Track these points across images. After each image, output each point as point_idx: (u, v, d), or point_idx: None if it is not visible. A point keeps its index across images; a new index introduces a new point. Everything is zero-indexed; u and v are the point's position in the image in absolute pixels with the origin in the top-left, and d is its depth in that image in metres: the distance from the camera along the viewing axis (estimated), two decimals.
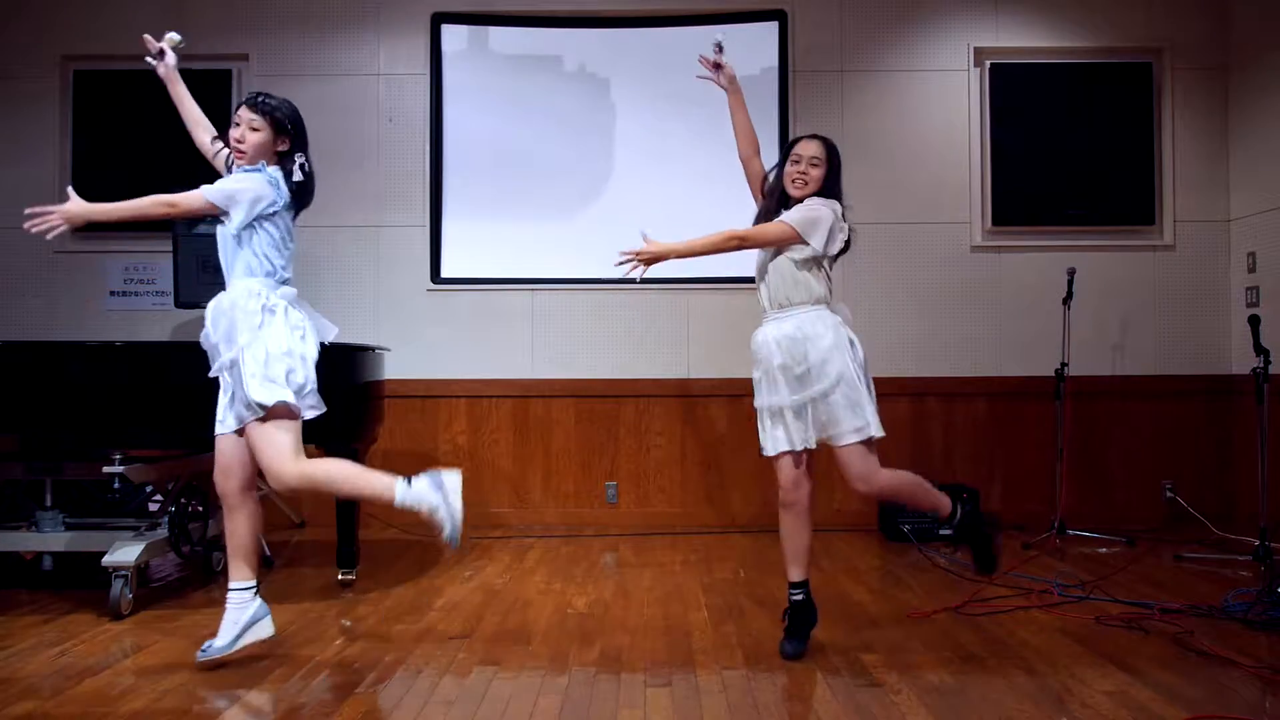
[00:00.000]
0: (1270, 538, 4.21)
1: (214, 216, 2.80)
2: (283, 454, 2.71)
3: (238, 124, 2.79)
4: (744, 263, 5.24)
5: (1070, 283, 4.94)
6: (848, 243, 2.96)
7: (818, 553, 4.49)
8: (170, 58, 3.05)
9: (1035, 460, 5.24)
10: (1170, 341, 5.34)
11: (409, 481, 2.74)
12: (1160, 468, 5.28)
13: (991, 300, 5.37)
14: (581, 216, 5.43)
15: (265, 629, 2.84)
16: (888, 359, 5.32)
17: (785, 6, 5.41)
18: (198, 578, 3.96)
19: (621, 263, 2.88)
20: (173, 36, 3.05)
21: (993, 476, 5.30)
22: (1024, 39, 5.40)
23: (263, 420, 2.71)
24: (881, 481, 2.87)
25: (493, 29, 5.46)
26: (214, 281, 4.54)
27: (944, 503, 2.97)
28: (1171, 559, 4.31)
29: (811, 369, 2.84)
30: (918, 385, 5.30)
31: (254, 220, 2.78)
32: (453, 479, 2.77)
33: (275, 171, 2.83)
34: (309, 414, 2.79)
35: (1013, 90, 5.37)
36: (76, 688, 2.60)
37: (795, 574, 2.95)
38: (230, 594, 2.81)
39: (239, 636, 2.78)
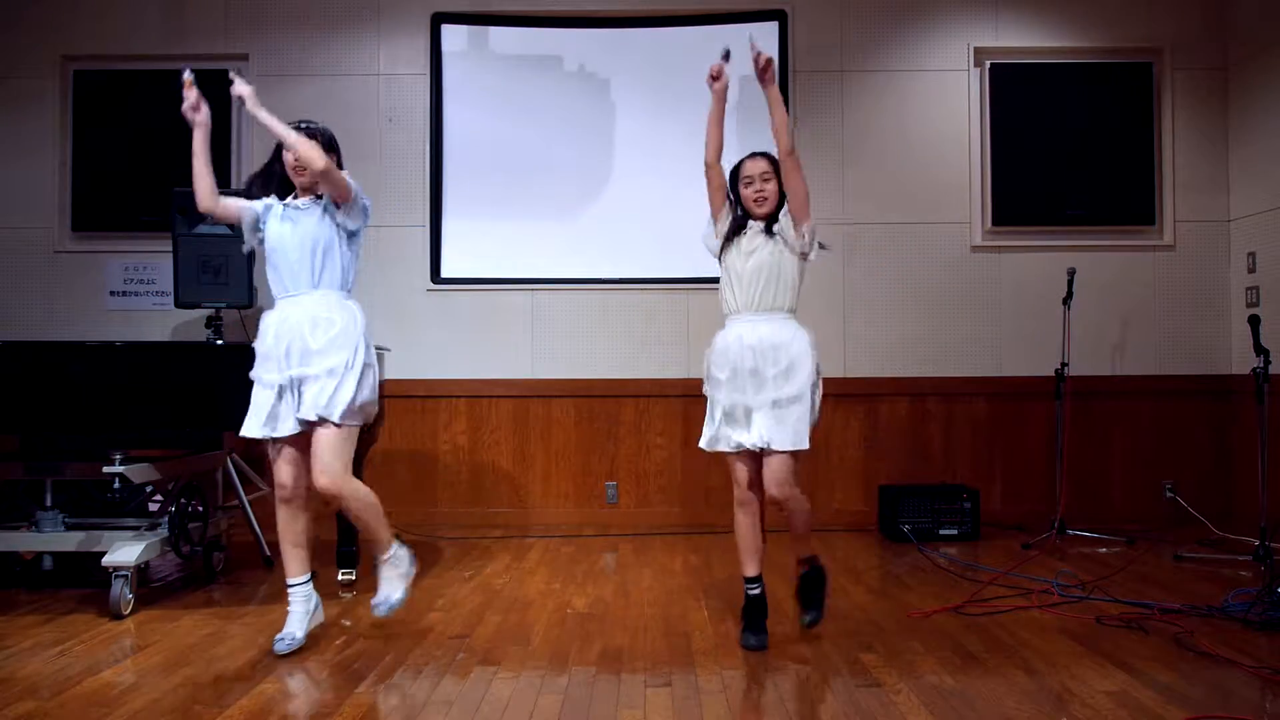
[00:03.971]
0: (1270, 538, 4.20)
1: (333, 204, 2.96)
2: (347, 460, 2.89)
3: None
4: None
5: (1070, 283, 4.94)
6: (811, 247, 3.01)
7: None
8: (205, 111, 3.09)
9: (1035, 460, 5.24)
10: (1170, 341, 5.34)
11: (402, 550, 3.09)
12: (1160, 468, 5.28)
13: (991, 300, 5.37)
14: (581, 216, 5.43)
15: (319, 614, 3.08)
16: (887, 359, 5.33)
17: (785, 6, 5.41)
18: (198, 578, 3.96)
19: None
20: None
21: (993, 476, 5.30)
22: (1024, 39, 5.40)
23: (339, 427, 2.85)
24: (796, 493, 2.95)
25: (492, 29, 5.46)
26: (214, 282, 4.64)
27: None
28: (1171, 559, 4.31)
29: (781, 373, 2.88)
30: (918, 385, 5.30)
31: (355, 231, 3.00)
32: (406, 583, 3.09)
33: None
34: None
35: (1013, 90, 5.37)
36: (76, 688, 2.60)
37: (751, 569, 3.09)
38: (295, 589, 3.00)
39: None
